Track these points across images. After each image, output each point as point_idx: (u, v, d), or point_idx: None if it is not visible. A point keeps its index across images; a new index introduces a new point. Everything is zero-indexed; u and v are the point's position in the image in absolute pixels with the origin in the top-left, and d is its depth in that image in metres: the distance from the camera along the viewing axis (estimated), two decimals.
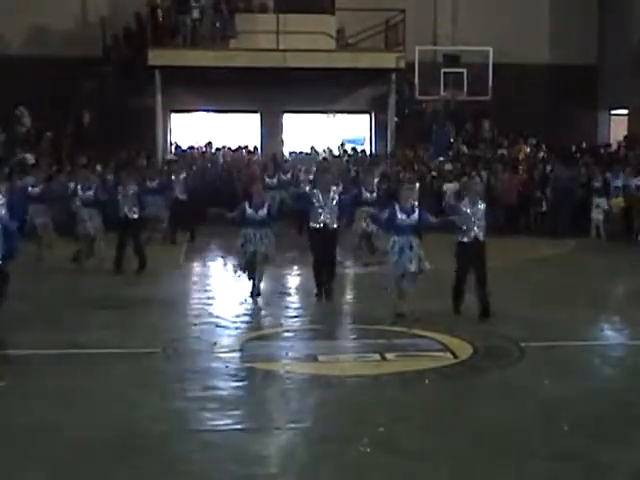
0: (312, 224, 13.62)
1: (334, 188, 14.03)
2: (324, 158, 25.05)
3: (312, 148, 26.06)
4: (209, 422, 8.09)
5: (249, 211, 13.40)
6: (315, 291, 13.69)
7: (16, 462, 7.12)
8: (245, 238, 13.42)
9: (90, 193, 16.55)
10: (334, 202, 13.56)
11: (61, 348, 10.38)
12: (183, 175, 20.93)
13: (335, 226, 13.64)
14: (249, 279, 13.73)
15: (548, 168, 23.20)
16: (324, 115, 28.16)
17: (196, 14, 24.83)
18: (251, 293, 13.61)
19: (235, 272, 14.27)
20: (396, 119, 26.83)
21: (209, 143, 26.09)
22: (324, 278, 13.62)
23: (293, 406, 8.88)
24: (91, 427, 7.85)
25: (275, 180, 22.05)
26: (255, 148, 26.64)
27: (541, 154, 25.48)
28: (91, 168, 20.96)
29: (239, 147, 26.07)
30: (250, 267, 13.57)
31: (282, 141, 27.45)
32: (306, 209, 13.99)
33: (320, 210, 13.47)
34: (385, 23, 26.47)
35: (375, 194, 17.19)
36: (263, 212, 13.46)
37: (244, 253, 13.47)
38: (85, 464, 7.16)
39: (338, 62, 25.23)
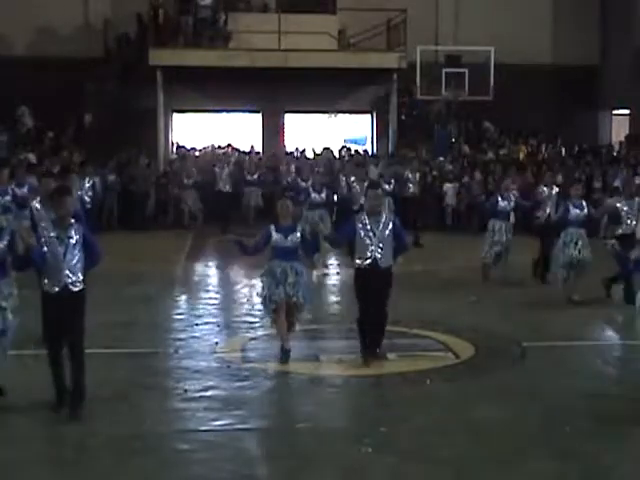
0: (357, 261, 9.89)
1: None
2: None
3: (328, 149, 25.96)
4: (210, 422, 8.09)
5: (276, 236, 9.94)
6: (362, 357, 10.01)
7: (17, 462, 7.13)
8: (271, 275, 9.99)
9: None
10: (387, 230, 9.81)
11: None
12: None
13: (390, 264, 9.88)
14: (277, 329, 10.31)
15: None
16: (326, 115, 28.18)
17: (204, 14, 24.84)
18: (281, 357, 10.05)
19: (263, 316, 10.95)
20: (403, 117, 26.86)
21: (228, 145, 26.13)
22: (371, 336, 9.95)
23: (294, 406, 8.90)
24: (91, 427, 7.86)
25: (324, 195, 16.92)
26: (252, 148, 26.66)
27: (543, 154, 25.56)
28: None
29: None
30: (277, 321, 10.15)
31: (284, 144, 27.42)
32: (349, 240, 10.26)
33: (368, 241, 9.71)
34: (387, 23, 26.48)
35: (585, 211, 13.57)
36: (295, 237, 9.95)
37: (268, 298, 10.03)
38: (85, 464, 7.17)
39: (340, 62, 25.23)
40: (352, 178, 20.15)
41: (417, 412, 8.43)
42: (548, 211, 14.65)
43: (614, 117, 29.68)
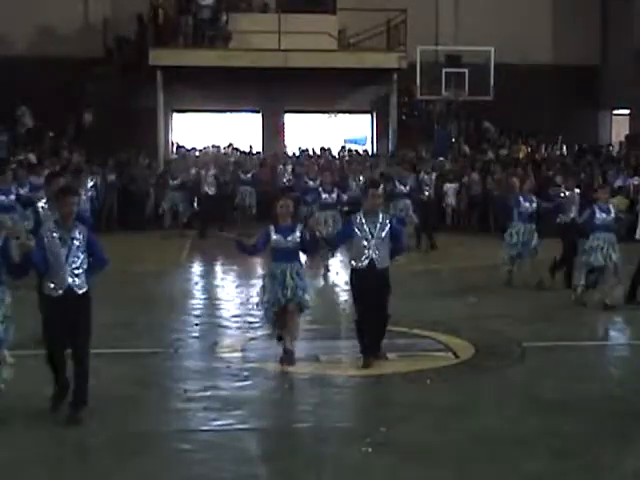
0: (353, 262, 9.81)
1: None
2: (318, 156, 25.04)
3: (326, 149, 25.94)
4: (210, 422, 8.09)
5: (275, 237, 9.72)
6: (362, 359, 9.88)
7: (17, 462, 7.13)
8: (272, 277, 9.79)
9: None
10: (384, 231, 9.68)
11: None
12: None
13: (386, 265, 9.77)
14: (278, 339, 10.17)
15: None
16: (326, 115, 28.20)
17: (204, 14, 24.83)
18: (281, 359, 9.94)
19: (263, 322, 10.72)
20: (403, 117, 26.87)
21: (229, 145, 26.11)
22: (372, 337, 9.85)
23: (294, 406, 8.90)
24: (91, 427, 7.85)
25: (334, 195, 16.24)
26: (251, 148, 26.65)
27: (543, 154, 25.58)
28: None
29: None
30: (278, 324, 9.97)
31: (284, 143, 27.45)
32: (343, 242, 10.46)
33: (365, 242, 9.59)
34: (387, 23, 26.49)
35: (612, 215, 13.04)
36: (294, 238, 9.70)
37: (268, 303, 9.86)
38: (85, 464, 7.18)
39: (339, 62, 25.26)
40: (361, 178, 19.94)
41: (417, 412, 8.42)
42: (572, 215, 14.21)
43: (614, 117, 29.71)
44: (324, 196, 16.03)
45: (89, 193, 16.41)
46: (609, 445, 7.47)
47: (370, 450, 7.32)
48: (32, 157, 22.62)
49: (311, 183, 17.40)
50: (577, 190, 15.02)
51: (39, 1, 26.35)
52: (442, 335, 11.29)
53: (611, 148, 26.88)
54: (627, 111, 28.49)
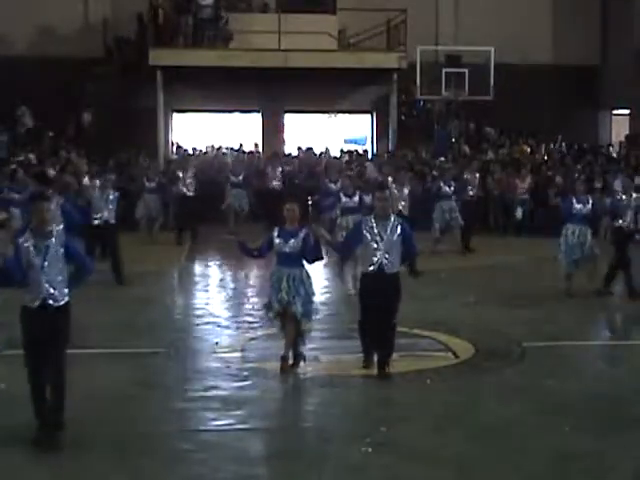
0: (362, 267, 9.83)
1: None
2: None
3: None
4: (210, 422, 8.11)
5: (276, 241, 9.58)
6: (363, 359, 9.90)
7: (17, 462, 7.13)
8: (272, 282, 9.76)
9: None
10: (396, 234, 9.47)
11: None
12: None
13: (396, 270, 9.53)
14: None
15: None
16: (326, 115, 28.20)
17: (204, 14, 24.82)
18: (291, 356, 9.85)
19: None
20: (403, 117, 26.86)
21: (240, 145, 26.07)
22: (376, 345, 9.76)
23: (294, 406, 8.91)
24: (91, 427, 7.85)
25: (356, 199, 15.23)
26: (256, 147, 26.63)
27: (543, 154, 25.58)
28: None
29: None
30: (281, 327, 9.88)
31: (284, 141, 27.49)
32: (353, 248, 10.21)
33: (374, 246, 9.37)
34: (387, 23, 26.47)
35: None
36: (295, 243, 9.49)
37: (270, 309, 9.77)
38: (85, 464, 7.17)
39: (339, 62, 25.23)
40: (389, 180, 19.31)
41: (417, 412, 8.43)
42: (628, 220, 13.83)
43: (614, 117, 29.71)
44: (344, 199, 15.22)
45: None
46: (609, 445, 7.48)
47: (370, 450, 7.33)
48: (32, 157, 22.60)
49: (332, 186, 17.01)
50: (634, 194, 14.29)
51: (39, 1, 26.35)
52: (442, 335, 11.30)
53: (611, 148, 26.88)
54: (627, 111, 28.49)
